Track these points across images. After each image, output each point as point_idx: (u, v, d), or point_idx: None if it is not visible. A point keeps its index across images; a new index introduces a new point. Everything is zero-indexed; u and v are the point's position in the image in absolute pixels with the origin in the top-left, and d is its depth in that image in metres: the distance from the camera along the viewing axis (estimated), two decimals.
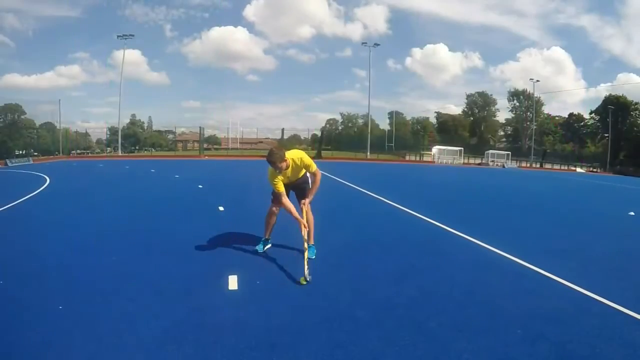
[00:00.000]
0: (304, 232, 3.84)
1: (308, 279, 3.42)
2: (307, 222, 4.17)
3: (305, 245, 3.78)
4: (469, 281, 3.67)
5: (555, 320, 2.83)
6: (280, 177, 3.91)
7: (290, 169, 3.92)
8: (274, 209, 4.16)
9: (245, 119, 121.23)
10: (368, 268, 3.97)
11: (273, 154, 3.73)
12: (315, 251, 4.19)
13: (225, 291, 3.22)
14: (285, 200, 3.93)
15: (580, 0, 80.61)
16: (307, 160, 3.99)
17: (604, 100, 54.19)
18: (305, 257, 3.64)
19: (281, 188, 3.91)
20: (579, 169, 43.23)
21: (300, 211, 4.04)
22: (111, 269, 3.68)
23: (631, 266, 4.39)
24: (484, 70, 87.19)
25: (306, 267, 3.52)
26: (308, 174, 4.16)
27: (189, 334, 2.47)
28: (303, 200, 4.08)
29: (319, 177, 4.09)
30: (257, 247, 4.29)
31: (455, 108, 71.78)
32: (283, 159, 3.75)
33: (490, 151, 45.38)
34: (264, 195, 4.65)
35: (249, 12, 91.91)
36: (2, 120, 47.44)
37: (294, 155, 3.94)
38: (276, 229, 4.35)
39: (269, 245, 4.35)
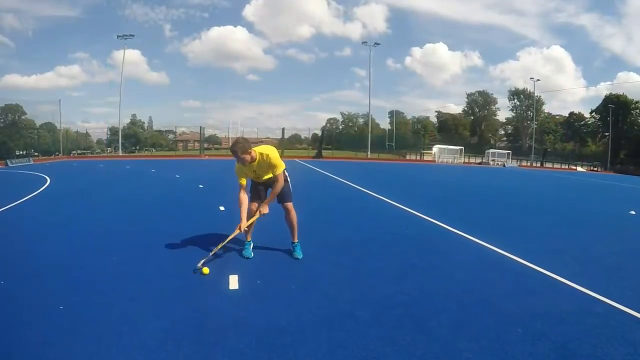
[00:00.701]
0: (235, 234, 3.87)
1: (198, 269, 3.51)
2: (290, 221, 4.13)
3: (224, 243, 3.85)
4: (469, 280, 3.66)
5: (556, 319, 2.83)
6: (246, 171, 3.85)
7: (256, 163, 3.80)
8: (252, 206, 4.06)
9: (245, 119, 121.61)
10: (368, 267, 3.97)
11: (236, 144, 3.67)
12: (300, 249, 4.18)
13: (225, 291, 3.22)
14: (242, 195, 3.88)
15: None
16: (275, 159, 3.80)
17: (604, 99, 54.13)
18: (214, 250, 3.76)
19: (242, 181, 3.88)
20: (579, 168, 43.18)
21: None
22: (111, 269, 3.67)
23: (632, 265, 4.39)
24: (483, 69, 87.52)
25: (204, 259, 3.63)
26: (286, 173, 4.07)
27: (189, 334, 2.47)
28: (261, 204, 4.00)
29: (280, 183, 3.88)
30: (244, 253, 4.09)
31: (455, 107, 72.05)
32: (246, 151, 3.66)
33: (491, 150, 45.32)
34: None
35: (248, 11, 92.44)
36: (2, 120, 47.55)
37: (263, 150, 3.81)
38: (276, 229, 4.35)
39: (252, 245, 4.21)
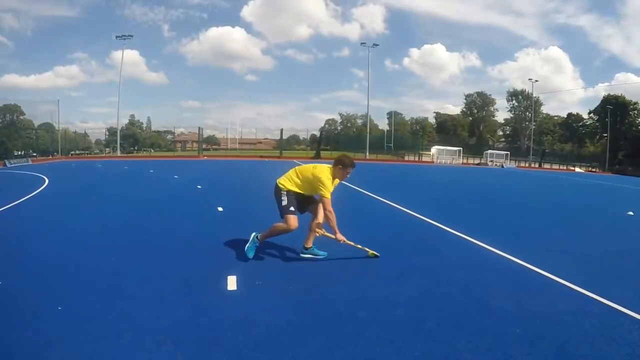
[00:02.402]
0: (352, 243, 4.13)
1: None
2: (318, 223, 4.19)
3: (350, 242, 4.11)
4: (468, 280, 3.68)
5: (554, 319, 2.84)
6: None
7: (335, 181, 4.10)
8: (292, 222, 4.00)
9: (244, 119, 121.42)
10: (367, 267, 3.97)
11: (352, 161, 4.08)
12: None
13: (224, 291, 3.22)
14: (330, 207, 3.98)
15: None
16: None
17: (602, 100, 54.36)
18: (352, 243, 4.12)
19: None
20: (577, 169, 43.31)
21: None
22: (111, 269, 3.67)
23: (630, 266, 4.41)
24: (481, 70, 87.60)
25: (358, 246, 4.10)
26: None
27: (189, 334, 2.47)
28: (317, 223, 4.13)
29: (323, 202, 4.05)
30: (248, 253, 4.04)
31: (454, 108, 72.19)
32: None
33: (489, 151, 45.38)
34: (262, 195, 4.65)
35: (247, 12, 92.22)
36: (0, 120, 47.40)
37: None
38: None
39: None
